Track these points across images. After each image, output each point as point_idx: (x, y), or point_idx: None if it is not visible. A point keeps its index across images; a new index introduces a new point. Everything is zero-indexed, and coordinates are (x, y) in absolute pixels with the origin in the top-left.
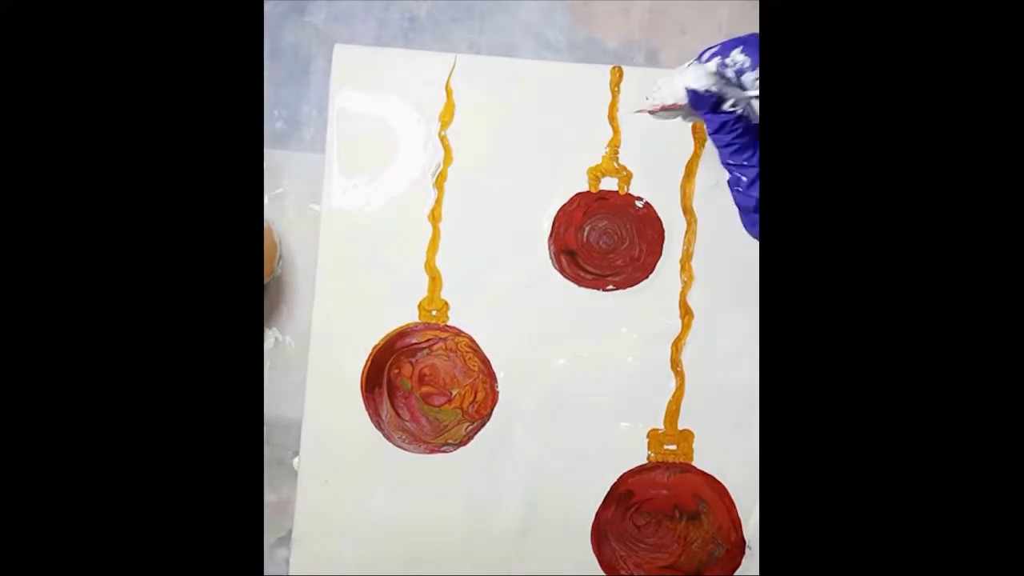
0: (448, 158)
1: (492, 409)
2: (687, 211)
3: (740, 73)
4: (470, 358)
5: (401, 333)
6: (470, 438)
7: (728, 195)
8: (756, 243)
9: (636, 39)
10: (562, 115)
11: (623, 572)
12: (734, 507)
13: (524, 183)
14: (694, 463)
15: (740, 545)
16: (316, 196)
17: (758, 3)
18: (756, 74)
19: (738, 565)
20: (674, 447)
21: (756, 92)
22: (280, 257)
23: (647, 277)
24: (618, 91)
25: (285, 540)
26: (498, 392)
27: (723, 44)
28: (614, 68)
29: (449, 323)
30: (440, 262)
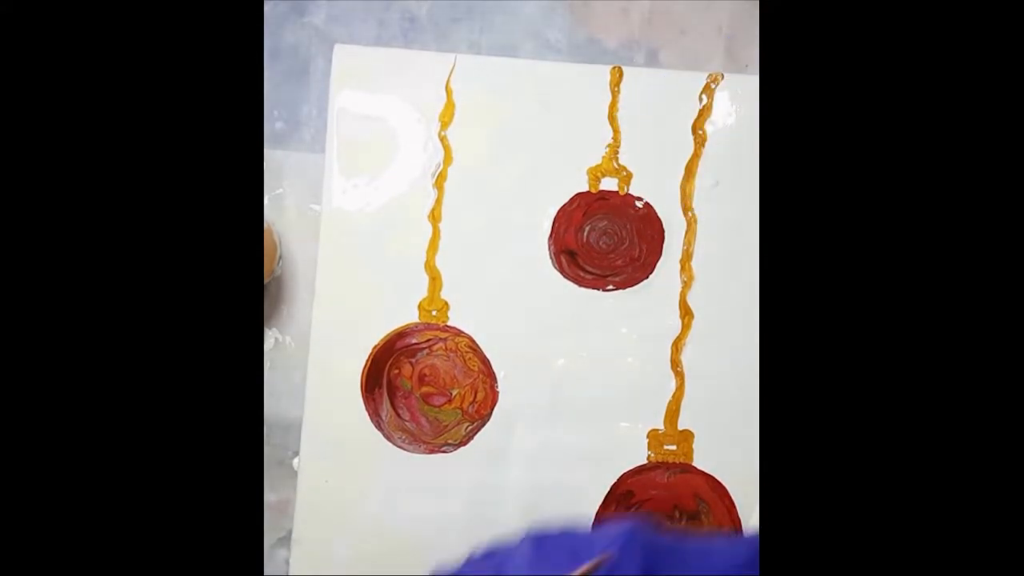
0: (448, 158)
1: (492, 409)
2: (687, 211)
3: None
4: (470, 358)
5: (401, 333)
6: (470, 438)
7: (728, 195)
8: (756, 243)
9: (636, 39)
10: (562, 115)
11: None
12: (734, 507)
13: (524, 183)
14: (694, 463)
15: None
16: (316, 196)
17: (758, 3)
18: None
19: None
20: (674, 447)
21: None
22: (280, 257)
23: (647, 277)
24: (618, 91)
25: (285, 540)
26: (498, 392)
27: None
28: (614, 68)
29: (449, 323)
30: (440, 262)
